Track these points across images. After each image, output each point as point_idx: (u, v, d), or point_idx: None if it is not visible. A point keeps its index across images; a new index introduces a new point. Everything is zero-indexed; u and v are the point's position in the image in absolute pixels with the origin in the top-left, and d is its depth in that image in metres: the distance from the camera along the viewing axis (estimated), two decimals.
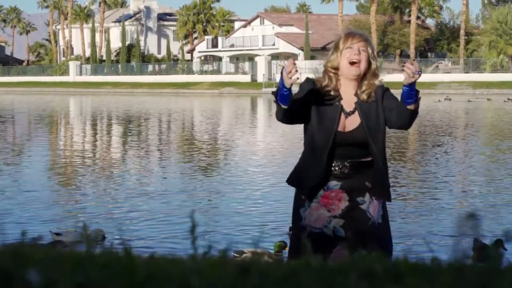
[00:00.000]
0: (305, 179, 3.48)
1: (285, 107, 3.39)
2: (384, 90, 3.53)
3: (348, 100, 3.50)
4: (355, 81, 3.51)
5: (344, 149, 3.44)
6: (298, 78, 3.41)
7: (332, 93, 3.49)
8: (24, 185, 11.06)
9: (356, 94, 3.51)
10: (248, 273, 1.49)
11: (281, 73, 3.40)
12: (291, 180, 3.58)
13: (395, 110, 3.45)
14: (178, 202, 9.61)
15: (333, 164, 3.45)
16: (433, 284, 1.50)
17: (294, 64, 3.39)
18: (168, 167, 13.66)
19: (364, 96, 3.49)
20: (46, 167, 13.94)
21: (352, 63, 3.46)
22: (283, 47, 66.26)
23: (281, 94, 3.38)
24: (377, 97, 3.50)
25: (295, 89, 3.52)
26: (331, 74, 3.51)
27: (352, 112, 3.48)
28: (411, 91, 3.41)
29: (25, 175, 12.40)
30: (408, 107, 3.40)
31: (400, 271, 1.57)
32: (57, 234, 7.29)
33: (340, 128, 3.45)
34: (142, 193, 10.32)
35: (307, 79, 3.56)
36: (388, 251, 3.45)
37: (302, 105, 3.46)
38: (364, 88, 3.50)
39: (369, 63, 3.49)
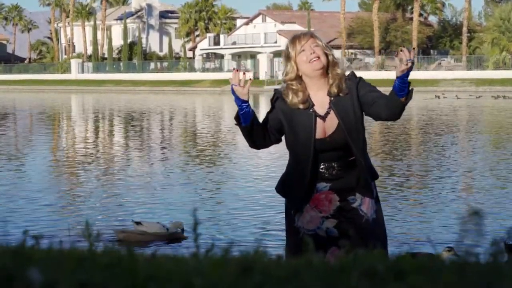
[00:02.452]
0: (291, 192, 3.43)
1: (247, 125, 3.29)
2: (357, 81, 3.39)
3: (321, 103, 3.39)
4: (323, 78, 3.39)
5: (330, 152, 3.37)
6: (250, 79, 3.32)
7: (301, 106, 3.36)
8: (26, 182, 11.06)
9: (328, 93, 3.39)
10: (250, 273, 1.49)
11: (232, 91, 3.28)
12: (278, 190, 3.53)
13: (383, 100, 3.30)
14: (179, 200, 9.61)
15: (321, 167, 3.37)
16: (435, 283, 1.50)
17: (237, 71, 3.31)
18: (170, 165, 13.64)
19: (334, 89, 3.36)
20: (49, 165, 13.94)
21: (312, 61, 3.36)
22: (285, 44, 66.19)
23: (242, 113, 3.28)
24: (351, 90, 3.37)
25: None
26: (295, 88, 3.38)
27: (328, 113, 3.37)
28: (403, 84, 3.25)
29: (28, 172, 12.40)
30: (401, 99, 3.26)
31: (402, 270, 1.57)
32: (138, 223, 7.32)
33: (320, 135, 3.35)
34: (142, 192, 10.32)
35: (274, 93, 3.45)
36: (383, 246, 3.39)
37: (275, 121, 3.37)
38: (331, 81, 3.39)
39: (326, 55, 3.40)
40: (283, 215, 3.55)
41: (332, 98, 3.38)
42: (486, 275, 1.54)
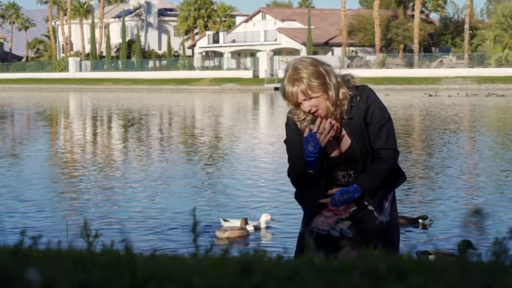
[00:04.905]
0: (306, 204, 3.50)
1: (313, 172, 3.34)
2: (365, 113, 3.35)
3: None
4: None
5: (346, 164, 3.41)
6: (337, 126, 3.31)
7: (312, 126, 3.37)
8: (24, 182, 11.05)
9: (339, 118, 3.39)
10: (251, 272, 1.48)
11: (308, 137, 3.29)
12: (296, 198, 3.60)
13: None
14: (180, 199, 9.60)
15: (338, 175, 3.42)
16: (437, 282, 1.49)
17: (330, 123, 3.29)
18: (170, 164, 13.64)
19: (337, 115, 3.35)
20: (46, 164, 13.94)
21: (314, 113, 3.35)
22: (285, 42, 66.25)
23: (312, 160, 3.31)
24: (359, 113, 3.35)
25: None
26: (301, 117, 3.37)
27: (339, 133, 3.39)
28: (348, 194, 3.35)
29: (25, 171, 12.39)
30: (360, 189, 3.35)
31: (404, 269, 1.56)
32: (225, 220, 7.61)
33: (335, 153, 3.39)
34: (143, 190, 10.32)
35: (287, 120, 3.44)
36: (395, 249, 3.46)
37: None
38: (333, 111, 3.36)
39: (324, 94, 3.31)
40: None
41: (343, 120, 3.39)
42: (489, 274, 1.53)
